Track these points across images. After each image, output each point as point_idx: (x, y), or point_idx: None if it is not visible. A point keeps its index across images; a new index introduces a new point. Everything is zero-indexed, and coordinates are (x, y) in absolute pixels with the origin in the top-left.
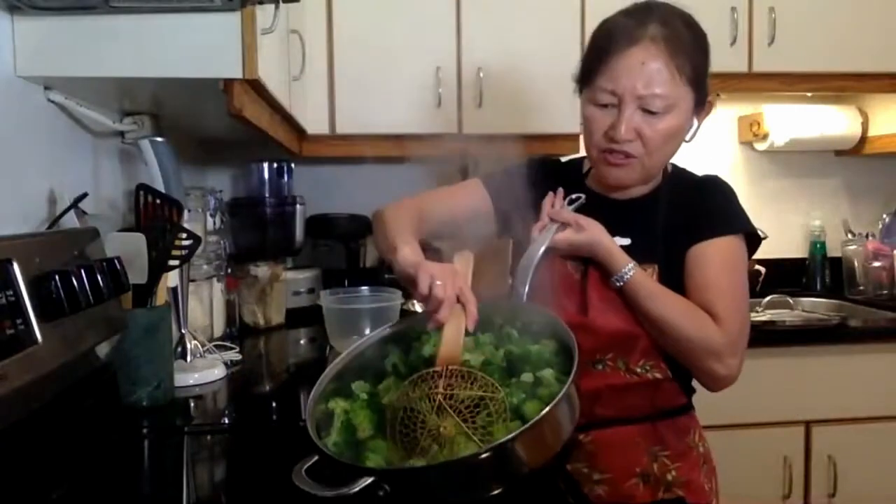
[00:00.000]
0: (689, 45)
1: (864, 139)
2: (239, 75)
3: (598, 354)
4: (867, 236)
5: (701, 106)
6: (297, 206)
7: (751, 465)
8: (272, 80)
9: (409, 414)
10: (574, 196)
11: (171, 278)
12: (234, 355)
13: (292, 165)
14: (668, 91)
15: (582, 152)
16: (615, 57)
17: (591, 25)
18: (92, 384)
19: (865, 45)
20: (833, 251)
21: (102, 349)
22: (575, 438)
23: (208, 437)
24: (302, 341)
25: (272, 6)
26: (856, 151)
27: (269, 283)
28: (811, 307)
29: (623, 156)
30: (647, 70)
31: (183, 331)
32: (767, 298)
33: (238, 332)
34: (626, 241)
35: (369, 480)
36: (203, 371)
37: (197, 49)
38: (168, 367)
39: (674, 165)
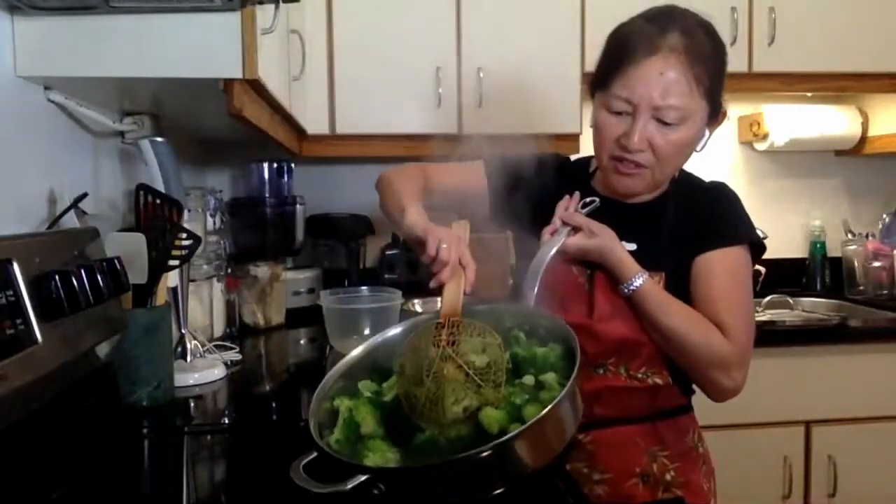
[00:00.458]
0: (708, 56)
1: (864, 139)
2: (239, 75)
3: (600, 359)
4: (867, 236)
5: (714, 117)
6: (297, 206)
7: (751, 465)
8: (272, 80)
9: (418, 357)
10: (588, 199)
11: (171, 278)
12: (234, 355)
13: (292, 165)
14: (684, 103)
15: (583, 152)
16: (633, 65)
17: (592, 26)
18: (92, 384)
19: (865, 45)
20: (833, 251)
21: (102, 349)
22: (575, 438)
23: (208, 437)
24: (302, 341)
25: (272, 6)
26: (856, 151)
27: (269, 283)
28: (811, 307)
29: (633, 165)
30: (664, 80)
31: (183, 331)
32: (767, 298)
33: (238, 332)
34: (633, 247)
35: (363, 478)
36: (203, 371)
37: (197, 49)
38: (168, 367)
39: (682, 170)
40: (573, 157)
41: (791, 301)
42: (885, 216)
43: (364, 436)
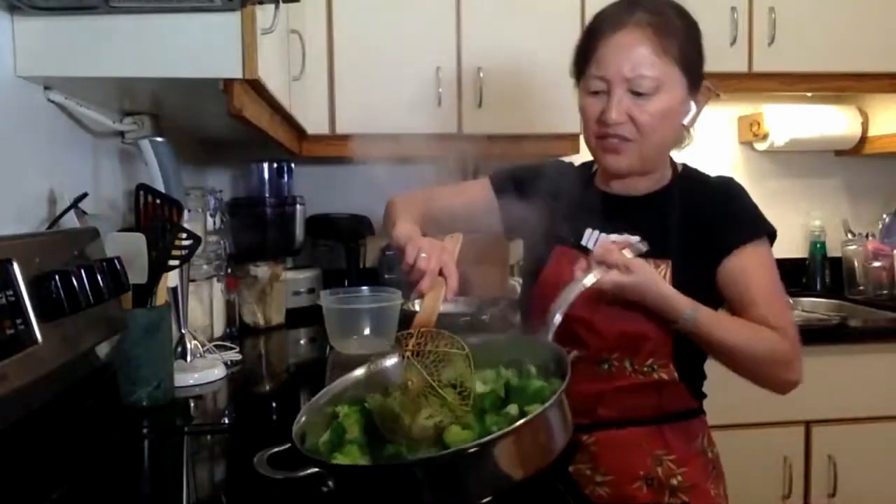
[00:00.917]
0: (677, 28)
1: (864, 139)
2: (239, 75)
3: (604, 353)
4: (867, 236)
5: (696, 89)
6: (297, 206)
7: (751, 465)
8: (272, 80)
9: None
10: (637, 241)
11: (171, 278)
12: (234, 355)
13: (292, 165)
14: (655, 72)
15: (583, 152)
16: (602, 43)
17: None
18: (92, 384)
19: (865, 45)
20: (833, 251)
21: (102, 349)
22: (577, 441)
23: (208, 437)
24: (302, 341)
25: (272, 6)
26: (856, 151)
27: (269, 283)
28: (811, 307)
29: (617, 140)
30: (633, 53)
31: (183, 331)
32: None
33: (238, 332)
34: (636, 238)
35: (314, 470)
36: (203, 371)
37: (197, 49)
38: (168, 367)
39: (684, 165)
40: (577, 163)
41: (791, 301)
42: (885, 216)
43: (346, 441)
